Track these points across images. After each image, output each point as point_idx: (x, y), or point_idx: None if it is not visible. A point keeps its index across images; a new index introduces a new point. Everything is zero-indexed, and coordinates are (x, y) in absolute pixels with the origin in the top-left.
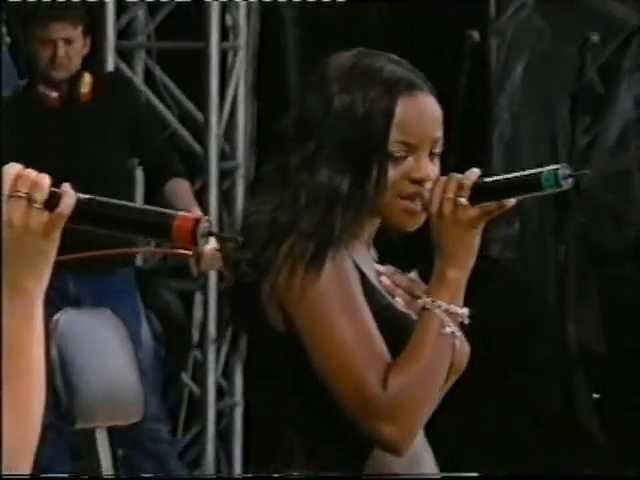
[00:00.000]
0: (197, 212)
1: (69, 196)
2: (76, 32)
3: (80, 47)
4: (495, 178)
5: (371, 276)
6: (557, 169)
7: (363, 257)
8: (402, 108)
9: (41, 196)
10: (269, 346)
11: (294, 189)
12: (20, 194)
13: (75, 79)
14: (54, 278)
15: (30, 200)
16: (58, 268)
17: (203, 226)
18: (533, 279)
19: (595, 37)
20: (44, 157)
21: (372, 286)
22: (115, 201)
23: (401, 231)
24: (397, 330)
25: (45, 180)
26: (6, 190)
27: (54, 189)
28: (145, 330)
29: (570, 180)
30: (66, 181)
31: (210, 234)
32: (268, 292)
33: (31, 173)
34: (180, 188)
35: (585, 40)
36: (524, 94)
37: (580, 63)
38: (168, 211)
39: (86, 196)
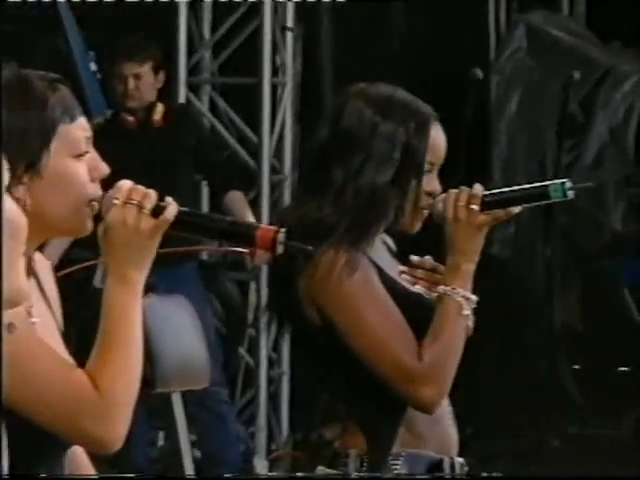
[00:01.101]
0: (250, 219)
1: (173, 207)
2: (144, 69)
3: (150, 81)
4: (502, 190)
5: (387, 267)
6: (564, 182)
7: (378, 253)
8: (431, 135)
9: (150, 205)
10: (307, 334)
11: (337, 196)
12: (133, 202)
13: (149, 108)
14: None
15: (141, 207)
16: None
17: (281, 236)
18: (525, 272)
19: (577, 75)
20: (126, 171)
21: (389, 277)
22: (207, 213)
23: (407, 233)
24: (415, 309)
25: (153, 193)
26: (123, 198)
27: (159, 202)
28: (209, 312)
29: (572, 192)
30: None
31: (286, 243)
32: (304, 289)
33: (140, 188)
34: (237, 198)
35: (568, 78)
36: (518, 121)
37: (564, 97)
38: (251, 222)
39: (185, 208)
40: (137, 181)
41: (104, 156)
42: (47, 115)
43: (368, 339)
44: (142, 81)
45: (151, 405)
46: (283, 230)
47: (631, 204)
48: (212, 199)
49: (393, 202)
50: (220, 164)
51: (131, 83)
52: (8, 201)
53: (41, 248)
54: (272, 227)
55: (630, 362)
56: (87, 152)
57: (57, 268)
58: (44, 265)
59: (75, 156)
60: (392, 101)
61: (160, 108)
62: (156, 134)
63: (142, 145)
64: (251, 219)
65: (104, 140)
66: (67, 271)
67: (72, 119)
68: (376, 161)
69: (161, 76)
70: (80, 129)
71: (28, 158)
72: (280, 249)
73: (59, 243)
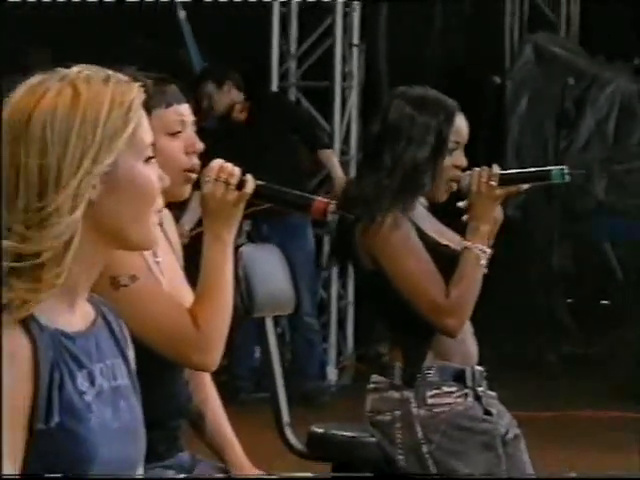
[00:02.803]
0: (339, 170)
1: (251, 182)
2: (209, 87)
3: (219, 95)
4: (515, 170)
5: (424, 226)
6: (563, 168)
7: (418, 214)
8: (456, 121)
9: (234, 181)
10: (364, 276)
11: (388, 173)
12: (221, 179)
13: (230, 110)
14: (254, 225)
15: (227, 183)
16: (254, 218)
17: (331, 207)
18: (531, 229)
19: (571, 81)
20: (238, 155)
21: (425, 233)
22: (277, 187)
23: (437, 201)
24: (444, 259)
25: (237, 171)
26: (213, 175)
27: (242, 177)
28: (311, 259)
29: (569, 176)
30: (253, 171)
31: (334, 212)
32: (360, 242)
33: (229, 166)
34: (328, 154)
35: (564, 83)
36: (526, 116)
37: (561, 97)
38: (309, 195)
39: (261, 182)
40: (247, 163)
41: (217, 148)
42: (144, 101)
43: (407, 281)
44: (212, 99)
45: (250, 327)
46: (333, 202)
47: (611, 178)
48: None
49: (429, 175)
50: (312, 127)
51: (205, 102)
52: (145, 169)
53: (168, 207)
54: (325, 199)
55: (609, 297)
56: (181, 131)
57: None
58: (168, 217)
59: (169, 134)
60: (425, 98)
61: (238, 107)
62: (259, 119)
63: (241, 137)
64: (339, 170)
65: (216, 136)
66: (198, 231)
67: (167, 106)
68: (415, 145)
69: (226, 87)
70: (174, 113)
71: None
72: (330, 217)
73: (195, 211)
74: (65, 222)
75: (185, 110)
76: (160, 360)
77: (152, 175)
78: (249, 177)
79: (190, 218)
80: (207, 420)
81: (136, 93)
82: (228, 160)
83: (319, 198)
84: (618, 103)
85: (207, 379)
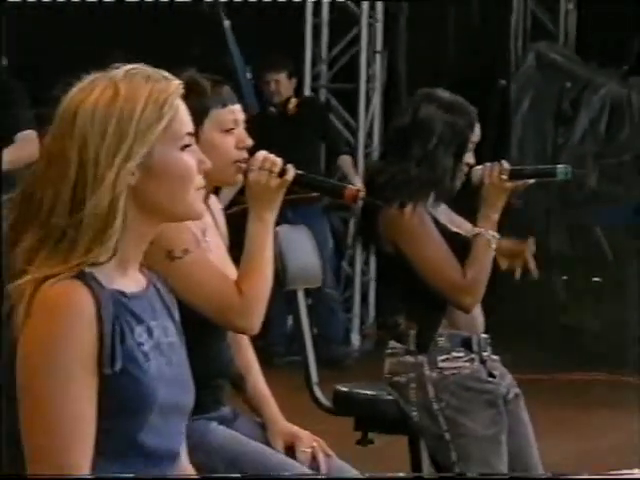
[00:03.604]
0: (353, 174)
1: (291, 171)
2: (281, 75)
3: (286, 84)
4: (523, 167)
5: (439, 216)
6: (567, 167)
7: (434, 205)
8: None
9: (276, 169)
10: (384, 257)
11: (416, 165)
12: (265, 168)
13: (286, 101)
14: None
15: (270, 172)
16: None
17: (361, 193)
18: (532, 215)
19: (568, 84)
20: (275, 147)
21: (441, 223)
22: (314, 175)
23: (452, 194)
24: (458, 244)
25: (279, 161)
26: (258, 164)
27: (284, 166)
28: (328, 238)
29: (572, 174)
30: (287, 161)
31: (363, 198)
32: (383, 227)
33: (272, 156)
34: (346, 159)
35: (562, 86)
36: (528, 115)
37: (559, 99)
38: (341, 183)
39: (300, 171)
40: (279, 151)
41: (258, 137)
42: (203, 101)
43: (429, 266)
44: (280, 84)
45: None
46: (363, 189)
47: (603, 170)
48: (328, 159)
49: (451, 171)
50: (336, 135)
51: (272, 86)
52: (184, 155)
53: (215, 193)
54: (355, 187)
55: (600, 275)
56: (234, 129)
57: (226, 208)
58: (216, 204)
59: (223, 131)
60: (453, 103)
61: (294, 102)
62: (291, 119)
63: (282, 127)
64: (354, 174)
65: (258, 126)
66: (232, 211)
67: (223, 105)
68: (444, 143)
69: (293, 80)
70: (229, 113)
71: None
72: (360, 202)
73: (228, 192)
74: (102, 207)
75: (238, 109)
76: (207, 325)
77: (188, 161)
78: (290, 166)
79: (225, 197)
80: (247, 380)
81: (173, 90)
82: (269, 146)
83: (350, 186)
84: (609, 104)
85: (247, 345)
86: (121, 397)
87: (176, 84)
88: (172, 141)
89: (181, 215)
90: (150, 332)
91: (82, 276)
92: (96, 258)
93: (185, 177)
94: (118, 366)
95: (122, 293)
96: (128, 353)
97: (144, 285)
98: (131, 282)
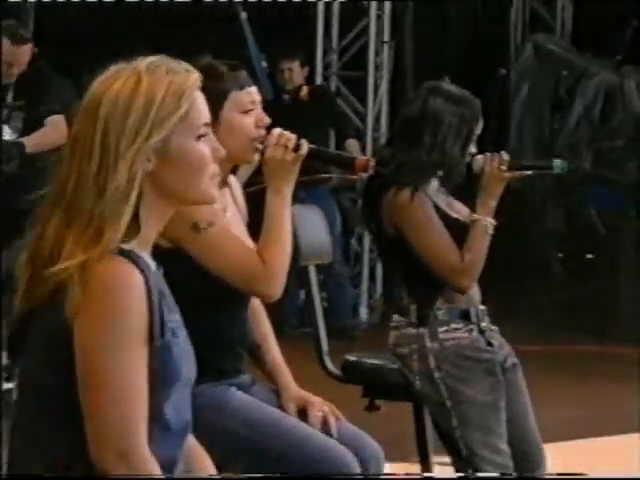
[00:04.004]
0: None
1: (305, 145)
2: (294, 64)
3: (299, 72)
4: (523, 161)
5: (439, 203)
6: (563, 162)
7: (433, 190)
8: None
9: (291, 144)
10: (386, 239)
11: (429, 150)
12: (281, 144)
13: (298, 89)
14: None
15: (286, 147)
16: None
17: (371, 163)
18: (530, 196)
19: (564, 73)
20: (287, 130)
21: (440, 208)
22: (327, 149)
23: (455, 182)
24: (457, 229)
25: (293, 136)
26: (274, 141)
27: (298, 142)
28: (336, 217)
29: (567, 168)
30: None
31: (373, 167)
32: (385, 211)
33: (286, 133)
34: (353, 143)
35: (558, 74)
36: (527, 103)
37: (556, 86)
38: (352, 155)
39: (313, 146)
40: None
41: (272, 119)
42: (222, 85)
43: (429, 250)
44: (293, 72)
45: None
46: (373, 160)
47: (597, 153)
48: (337, 143)
49: (459, 160)
50: (344, 121)
51: (286, 74)
52: (199, 144)
53: (234, 172)
54: (365, 157)
55: (593, 252)
56: (252, 110)
57: (244, 187)
58: (235, 183)
59: (242, 112)
60: (461, 96)
61: (305, 89)
62: (303, 104)
63: (294, 112)
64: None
65: (272, 110)
66: (251, 189)
67: (241, 88)
68: (453, 134)
69: (305, 69)
70: (246, 94)
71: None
72: (370, 171)
73: (244, 173)
74: (122, 188)
75: (254, 91)
76: (230, 297)
77: (203, 150)
78: (303, 141)
79: (242, 175)
80: (262, 350)
81: (192, 82)
82: (282, 129)
83: (360, 157)
84: (603, 92)
85: (263, 317)
86: (157, 369)
87: (195, 77)
88: (189, 131)
89: (195, 200)
90: (172, 310)
91: (127, 255)
92: (123, 236)
93: (200, 165)
94: (167, 338)
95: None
96: (167, 328)
97: (155, 265)
98: (150, 262)
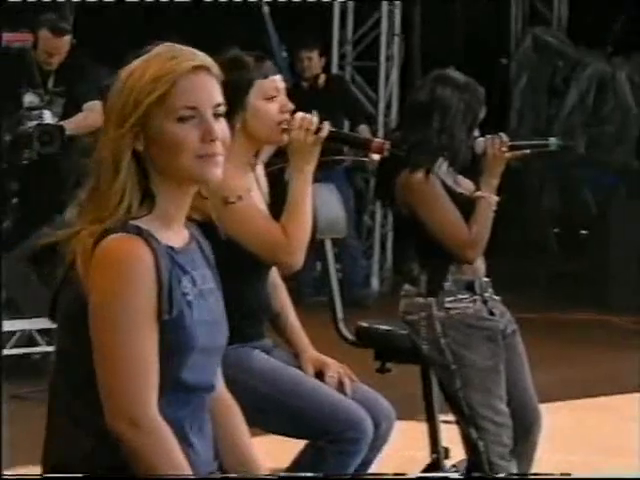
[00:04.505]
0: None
1: (325, 128)
2: (313, 54)
3: (317, 62)
4: (521, 142)
5: (448, 181)
6: (559, 139)
7: (441, 169)
8: None
9: (313, 127)
10: (399, 216)
11: (439, 133)
12: (303, 127)
13: (316, 77)
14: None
15: (307, 129)
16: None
17: (386, 145)
18: (528, 178)
19: (560, 63)
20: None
21: (448, 186)
22: (345, 131)
23: (462, 163)
24: (464, 205)
25: (315, 119)
26: (297, 124)
27: (319, 125)
28: (350, 196)
29: (562, 146)
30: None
31: (388, 149)
32: (399, 189)
33: (308, 116)
34: (364, 129)
35: (554, 65)
36: (526, 91)
37: (552, 76)
38: (369, 137)
39: (333, 128)
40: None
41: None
42: (248, 74)
43: (440, 226)
44: (312, 61)
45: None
46: (388, 142)
47: (590, 138)
48: (350, 128)
49: (465, 142)
50: (357, 108)
51: (306, 62)
52: (177, 126)
53: (256, 155)
54: (381, 140)
55: (587, 229)
56: (276, 96)
57: (265, 166)
58: (259, 167)
59: (266, 98)
60: (467, 84)
61: (323, 77)
62: (320, 92)
63: (313, 100)
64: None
65: (292, 97)
66: (272, 169)
67: (265, 77)
68: (460, 119)
69: (323, 59)
70: (271, 82)
71: (239, 100)
72: (386, 153)
73: (263, 155)
74: (109, 167)
75: (279, 79)
76: (255, 267)
77: (180, 132)
78: (325, 124)
79: (263, 157)
80: (281, 316)
81: (180, 70)
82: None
83: (377, 139)
84: (596, 81)
85: (282, 288)
86: (168, 341)
87: (187, 65)
88: (166, 113)
89: (186, 178)
90: (194, 281)
91: (140, 232)
92: (135, 212)
93: (177, 146)
94: (175, 313)
95: (171, 248)
96: (176, 302)
97: (187, 239)
98: (177, 237)
